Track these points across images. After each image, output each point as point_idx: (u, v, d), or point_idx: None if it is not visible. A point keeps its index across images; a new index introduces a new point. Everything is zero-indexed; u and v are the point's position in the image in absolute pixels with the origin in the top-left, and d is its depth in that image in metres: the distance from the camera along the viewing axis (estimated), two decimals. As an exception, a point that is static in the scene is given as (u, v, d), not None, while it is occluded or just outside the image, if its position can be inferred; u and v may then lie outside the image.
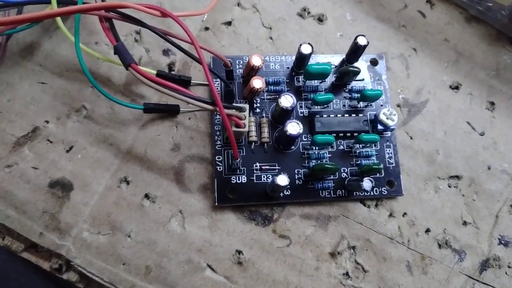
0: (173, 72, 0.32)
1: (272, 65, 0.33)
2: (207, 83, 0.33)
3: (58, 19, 0.28)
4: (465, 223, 0.32)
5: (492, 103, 0.35)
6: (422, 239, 0.31)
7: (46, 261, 0.30)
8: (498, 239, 0.32)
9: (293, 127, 0.28)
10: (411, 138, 0.33)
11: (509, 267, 0.32)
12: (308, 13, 0.35)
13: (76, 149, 0.31)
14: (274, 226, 0.31)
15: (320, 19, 0.35)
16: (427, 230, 0.32)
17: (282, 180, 0.27)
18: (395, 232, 0.31)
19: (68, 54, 0.32)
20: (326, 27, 0.35)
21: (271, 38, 0.34)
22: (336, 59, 0.33)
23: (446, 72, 0.35)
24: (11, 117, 0.31)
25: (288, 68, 0.33)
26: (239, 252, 0.30)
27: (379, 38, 0.35)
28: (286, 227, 0.31)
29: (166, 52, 0.33)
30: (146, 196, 0.30)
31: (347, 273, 0.30)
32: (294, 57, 0.32)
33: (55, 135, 0.31)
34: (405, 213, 0.32)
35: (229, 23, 0.34)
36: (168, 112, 0.31)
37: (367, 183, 0.28)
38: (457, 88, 0.35)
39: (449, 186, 0.33)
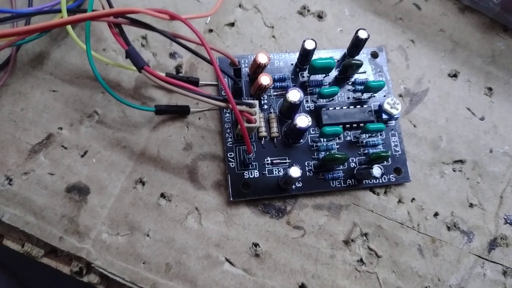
0: (181, 74, 0.33)
1: (277, 63, 0.34)
2: (214, 83, 0.34)
3: (69, 27, 0.29)
4: (471, 205, 0.33)
5: (490, 89, 0.36)
6: (431, 222, 0.32)
7: (66, 265, 0.30)
8: (504, 218, 0.33)
9: (302, 120, 0.29)
10: (415, 126, 0.34)
11: (516, 245, 0.33)
12: (308, 10, 0.36)
13: (91, 154, 0.31)
14: (288, 217, 0.32)
15: (319, 16, 0.36)
16: (436, 214, 0.33)
17: (295, 172, 0.28)
18: (405, 217, 0.32)
19: (78, 62, 0.33)
20: (326, 24, 0.36)
21: (273, 36, 0.35)
22: (337, 54, 0.34)
23: (444, 61, 0.36)
24: (25, 125, 0.31)
25: (292, 64, 0.34)
26: (256, 244, 0.31)
27: (378, 32, 0.36)
28: (299, 218, 0.32)
29: (172, 55, 0.34)
30: (162, 195, 0.31)
31: (361, 260, 0.31)
32: (297, 54, 0.33)
33: (69, 141, 0.31)
34: (413, 199, 0.33)
35: (232, 24, 0.35)
36: (179, 112, 0.32)
37: (377, 170, 0.29)
38: (455, 76, 0.36)
39: (454, 170, 0.34)
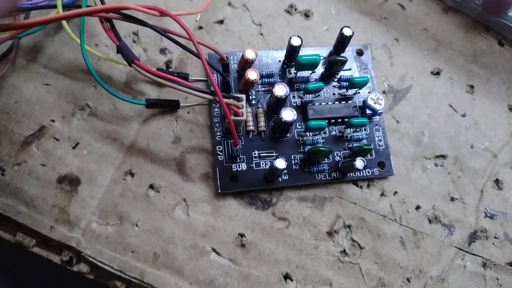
0: (171, 70, 0.34)
1: (264, 59, 0.35)
2: (204, 79, 0.34)
3: (64, 22, 0.30)
4: (452, 199, 0.34)
5: (472, 86, 0.37)
6: (413, 215, 0.33)
7: (56, 254, 0.31)
8: (484, 212, 0.34)
9: (288, 114, 0.30)
10: (398, 122, 0.35)
11: (495, 237, 0.34)
12: (295, 9, 0.37)
13: (82, 145, 0.32)
14: (273, 209, 0.32)
15: (306, 15, 0.37)
16: (417, 207, 0.34)
17: (280, 163, 0.29)
18: (388, 210, 0.33)
19: (71, 56, 0.34)
20: (312, 22, 0.37)
21: (261, 34, 0.36)
22: (324, 52, 0.35)
23: (427, 59, 0.37)
24: (19, 117, 0.32)
25: (279, 61, 0.35)
26: (242, 235, 0.32)
27: (363, 30, 0.37)
28: (284, 209, 0.32)
29: (163, 51, 0.35)
30: (151, 186, 0.32)
31: (344, 251, 0.32)
32: (284, 51, 0.34)
33: (61, 133, 0.32)
34: (395, 192, 0.34)
35: (221, 22, 0.36)
36: (169, 106, 0.33)
37: (359, 162, 0.30)
38: (438, 73, 0.37)
39: (436, 165, 0.35)
